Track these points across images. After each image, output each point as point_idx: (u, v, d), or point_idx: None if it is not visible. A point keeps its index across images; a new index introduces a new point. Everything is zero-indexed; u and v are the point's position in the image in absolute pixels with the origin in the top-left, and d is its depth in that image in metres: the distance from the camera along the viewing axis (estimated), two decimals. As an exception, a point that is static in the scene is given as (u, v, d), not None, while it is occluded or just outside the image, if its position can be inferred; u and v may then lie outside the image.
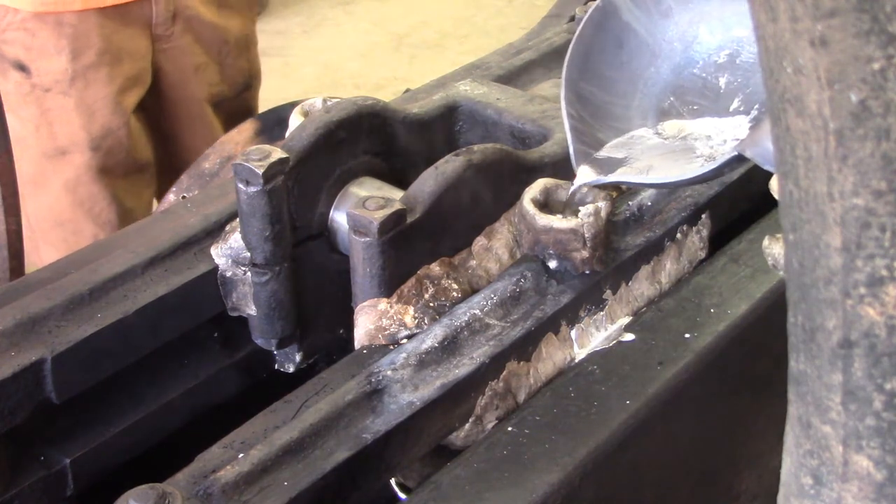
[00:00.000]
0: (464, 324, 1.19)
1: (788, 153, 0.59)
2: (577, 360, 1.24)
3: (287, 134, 1.38)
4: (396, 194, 1.27)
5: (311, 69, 5.50)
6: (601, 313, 1.27)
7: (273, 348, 1.37)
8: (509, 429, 1.12)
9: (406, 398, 1.13)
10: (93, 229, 2.67)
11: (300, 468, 1.04)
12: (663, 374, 1.19)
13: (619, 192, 1.33)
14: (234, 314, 1.37)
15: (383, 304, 1.22)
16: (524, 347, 1.19)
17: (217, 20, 2.71)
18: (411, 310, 1.22)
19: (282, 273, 1.31)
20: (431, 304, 1.24)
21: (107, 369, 1.27)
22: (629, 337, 1.25)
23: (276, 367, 1.41)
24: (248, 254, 1.30)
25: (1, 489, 1.21)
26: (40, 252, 2.66)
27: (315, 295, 1.37)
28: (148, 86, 2.68)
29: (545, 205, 1.25)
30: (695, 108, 1.26)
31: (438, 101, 1.48)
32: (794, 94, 0.57)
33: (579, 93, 1.27)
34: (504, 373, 1.18)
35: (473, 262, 1.29)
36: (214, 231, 1.38)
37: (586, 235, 1.22)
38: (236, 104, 2.84)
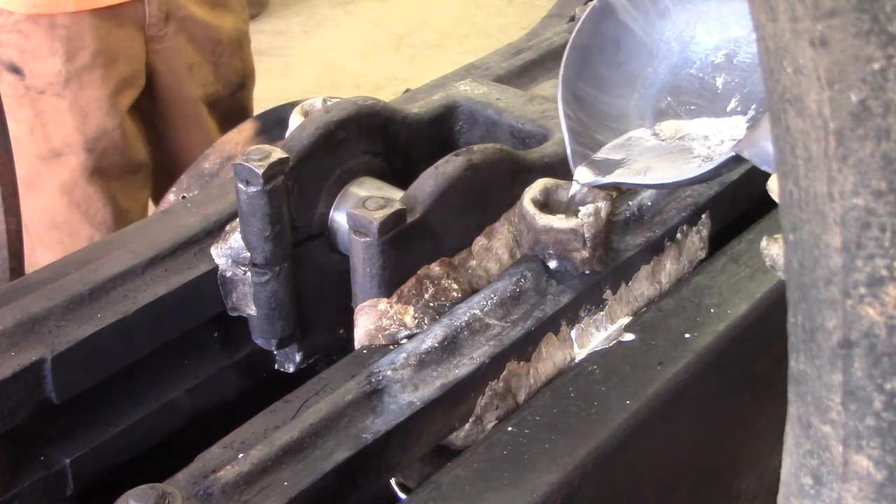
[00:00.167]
0: (464, 324, 1.19)
1: (788, 153, 0.59)
2: (577, 360, 1.24)
3: (287, 134, 1.38)
4: (396, 194, 1.27)
5: (311, 69, 5.50)
6: (601, 313, 1.27)
7: (273, 348, 1.37)
8: (509, 429, 1.12)
9: (406, 398, 1.13)
10: (88, 230, 2.67)
11: (300, 468, 1.04)
12: (663, 374, 1.19)
13: (619, 192, 1.33)
14: (234, 314, 1.37)
15: (383, 304, 1.22)
16: (524, 347, 1.19)
17: (210, 19, 2.71)
18: (411, 310, 1.22)
19: (282, 273, 1.31)
20: (431, 304, 1.24)
21: (107, 369, 1.27)
22: (629, 337, 1.25)
23: (276, 367, 1.41)
24: (248, 254, 1.30)
25: (1, 489, 1.21)
26: (36, 254, 2.66)
27: (315, 295, 1.37)
28: (142, 87, 2.68)
29: (545, 205, 1.25)
30: (692, 108, 1.26)
31: (438, 101, 1.48)
32: (794, 94, 0.57)
33: (576, 93, 1.27)
34: (504, 373, 1.18)
35: (473, 262, 1.29)
36: (214, 231, 1.38)
37: (586, 235, 1.22)
38: (231, 103, 2.83)
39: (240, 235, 1.31)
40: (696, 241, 1.38)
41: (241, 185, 1.26)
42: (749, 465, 1.42)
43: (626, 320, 1.28)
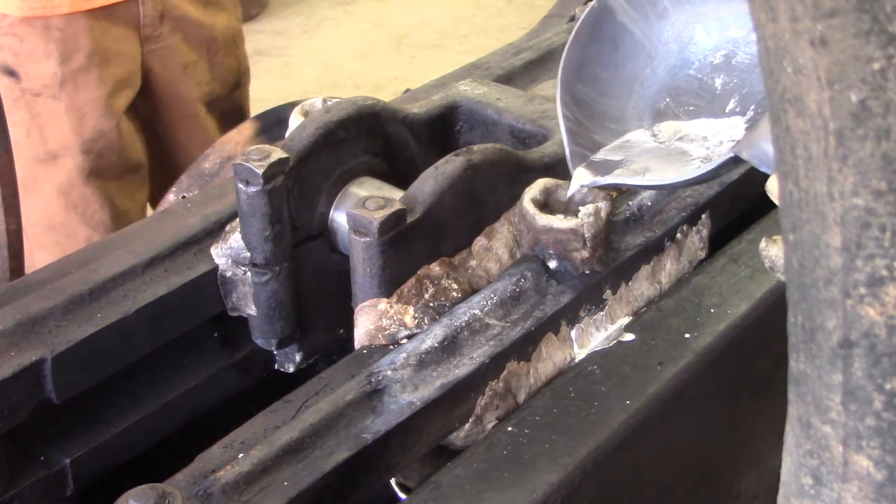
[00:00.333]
0: (464, 324, 1.19)
1: (788, 153, 0.59)
2: (577, 360, 1.24)
3: (287, 134, 1.38)
4: (396, 194, 1.27)
5: (311, 69, 5.50)
6: (601, 313, 1.27)
7: (273, 348, 1.37)
8: (509, 429, 1.12)
9: (406, 398, 1.13)
10: (86, 232, 2.67)
11: (300, 468, 1.04)
12: (663, 374, 1.19)
13: (619, 192, 1.33)
14: (234, 314, 1.37)
15: (383, 304, 1.22)
16: (524, 347, 1.19)
17: (204, 18, 2.71)
18: (411, 310, 1.22)
19: (282, 273, 1.31)
20: (431, 304, 1.24)
21: (107, 369, 1.27)
22: (629, 337, 1.25)
23: (276, 367, 1.41)
24: (248, 254, 1.30)
25: (1, 489, 1.21)
26: (34, 256, 2.66)
27: (315, 295, 1.37)
28: (138, 87, 2.67)
29: (545, 205, 1.25)
30: (691, 109, 1.26)
31: (438, 101, 1.48)
32: (794, 94, 0.57)
33: (575, 95, 1.27)
34: (504, 373, 1.18)
35: (473, 262, 1.29)
36: (214, 231, 1.38)
37: (586, 235, 1.22)
38: (228, 103, 2.83)
39: (240, 235, 1.31)
40: (696, 241, 1.38)
41: (241, 185, 1.26)
42: (749, 465, 1.42)
43: (626, 320, 1.28)
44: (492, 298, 1.22)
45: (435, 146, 1.43)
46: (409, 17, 6.01)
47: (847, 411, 0.60)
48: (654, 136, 1.25)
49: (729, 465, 1.41)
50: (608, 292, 1.27)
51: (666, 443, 1.24)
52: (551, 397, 1.17)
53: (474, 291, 1.26)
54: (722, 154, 1.14)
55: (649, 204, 1.36)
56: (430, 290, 1.24)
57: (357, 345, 1.23)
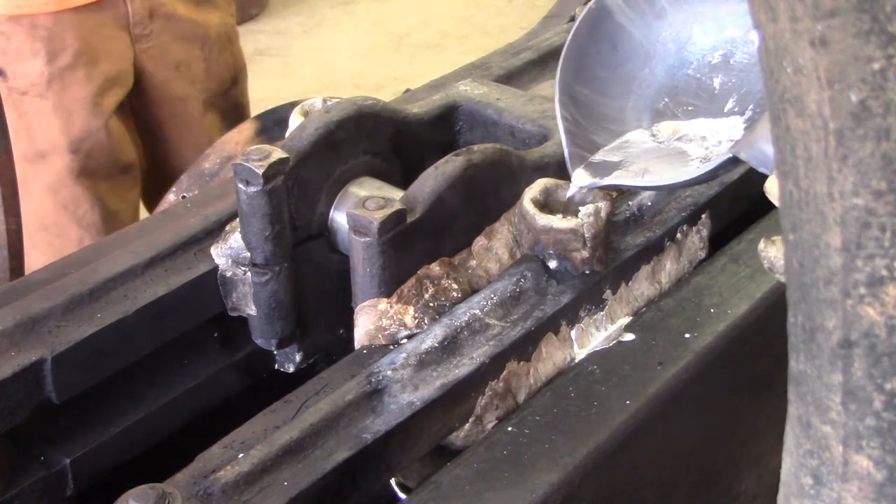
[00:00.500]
0: (464, 324, 1.19)
1: (788, 153, 0.59)
2: (577, 360, 1.24)
3: (287, 134, 1.38)
4: (396, 194, 1.27)
5: (311, 69, 5.50)
6: (601, 313, 1.27)
7: (273, 348, 1.37)
8: (509, 429, 1.12)
9: (406, 398, 1.13)
10: (77, 232, 2.66)
11: (300, 468, 1.04)
12: (663, 374, 1.19)
13: (619, 192, 1.33)
14: (234, 314, 1.37)
15: (383, 304, 1.22)
16: (524, 347, 1.19)
17: (195, 16, 2.70)
18: (411, 310, 1.22)
19: (282, 273, 1.31)
20: (431, 304, 1.24)
21: (107, 369, 1.27)
22: (629, 337, 1.25)
23: (276, 367, 1.41)
24: (248, 254, 1.30)
25: (1, 489, 1.21)
26: (30, 256, 2.66)
27: (315, 295, 1.37)
28: (130, 86, 2.67)
29: (545, 205, 1.25)
30: (689, 108, 1.26)
31: (438, 101, 1.48)
32: (794, 94, 0.57)
33: (573, 95, 1.27)
34: (504, 373, 1.18)
35: (473, 262, 1.29)
36: (214, 231, 1.38)
37: (586, 235, 1.22)
38: (226, 101, 2.83)
39: (240, 235, 1.31)
40: (696, 241, 1.38)
41: (241, 185, 1.26)
42: (749, 465, 1.42)
43: (626, 320, 1.28)
44: (492, 298, 1.22)
45: (435, 146, 1.43)
46: (409, 17, 6.01)
47: (847, 411, 0.60)
48: (653, 136, 1.25)
49: (729, 465, 1.41)
50: (608, 292, 1.27)
51: (666, 443, 1.24)
52: (551, 397, 1.17)
53: (474, 291, 1.26)
54: (720, 154, 1.14)
55: (649, 204, 1.36)
56: (430, 290, 1.24)
57: (357, 345, 1.23)
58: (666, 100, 1.28)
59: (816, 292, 0.60)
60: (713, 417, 1.33)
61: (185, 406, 1.37)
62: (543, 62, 1.71)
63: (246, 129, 2.25)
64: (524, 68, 1.70)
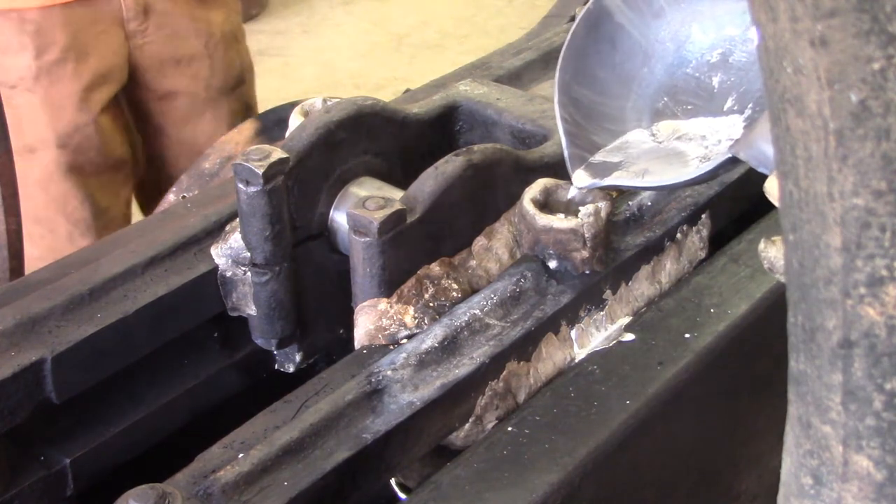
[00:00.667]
0: (464, 324, 1.19)
1: (788, 153, 0.59)
2: (577, 360, 1.24)
3: (287, 134, 1.38)
4: (396, 194, 1.27)
5: (311, 69, 5.50)
6: (601, 313, 1.27)
7: (273, 348, 1.37)
8: (509, 429, 1.12)
9: (406, 398, 1.13)
10: (67, 227, 2.66)
11: (300, 468, 1.04)
12: (663, 374, 1.19)
13: (619, 192, 1.33)
14: (234, 314, 1.37)
15: (383, 304, 1.22)
16: (524, 347, 1.19)
17: (198, 14, 2.69)
18: (411, 310, 1.22)
19: (282, 273, 1.31)
20: (431, 304, 1.24)
21: (107, 369, 1.27)
22: (629, 337, 1.25)
23: (276, 367, 1.41)
24: (248, 254, 1.30)
25: (1, 489, 1.21)
26: (25, 249, 2.66)
27: (315, 295, 1.37)
28: (123, 82, 2.66)
29: (545, 205, 1.25)
30: (689, 107, 1.26)
31: (438, 101, 1.48)
32: (794, 94, 0.57)
33: (573, 96, 1.27)
34: (504, 373, 1.18)
35: (473, 262, 1.29)
36: (214, 231, 1.38)
37: (586, 235, 1.22)
38: (233, 99, 2.82)
39: (240, 235, 1.31)
40: (696, 241, 1.38)
41: (241, 185, 1.26)
42: (749, 465, 1.42)
43: (626, 320, 1.28)
44: (492, 298, 1.22)
45: (435, 146, 1.43)
46: (409, 17, 6.01)
47: (847, 411, 0.60)
48: (653, 135, 1.25)
49: (729, 465, 1.41)
50: (608, 292, 1.27)
51: (666, 443, 1.24)
52: (551, 397, 1.17)
53: (474, 291, 1.26)
54: (720, 154, 1.14)
55: (649, 204, 1.36)
56: (430, 290, 1.24)
57: (357, 345, 1.23)
58: (665, 99, 1.28)
59: (816, 292, 0.60)
60: (713, 417, 1.33)
61: (185, 406, 1.37)
62: (543, 62, 1.71)
63: (246, 129, 2.25)
64: (524, 68, 1.70)
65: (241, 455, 1.04)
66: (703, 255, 1.39)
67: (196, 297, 1.33)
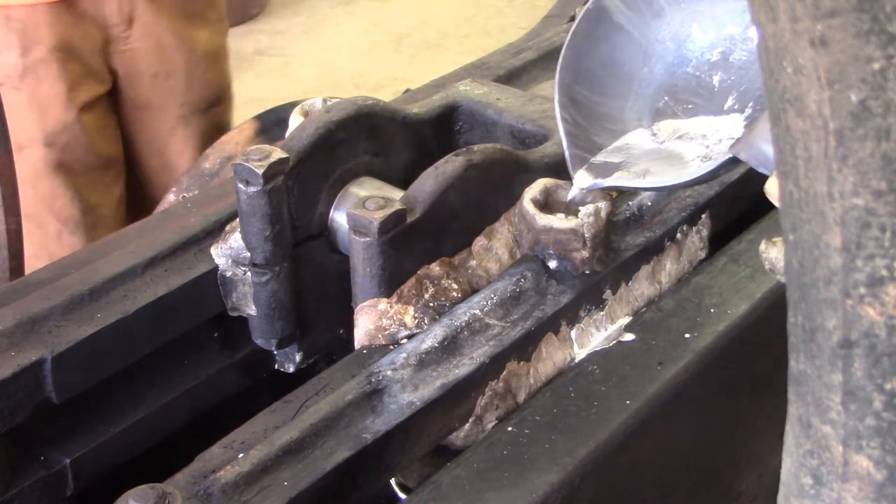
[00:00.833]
0: (464, 324, 1.19)
1: (788, 153, 0.59)
2: (577, 360, 1.24)
3: (287, 134, 1.38)
4: (396, 194, 1.27)
5: (311, 69, 5.49)
6: (601, 313, 1.27)
7: (273, 348, 1.37)
8: (509, 429, 1.12)
9: (406, 398, 1.13)
10: (56, 225, 2.66)
11: (300, 468, 1.04)
12: (663, 374, 1.19)
13: (619, 192, 1.33)
14: (234, 314, 1.37)
15: (383, 304, 1.22)
16: (524, 347, 1.19)
17: (183, 31, 2.70)
18: (411, 310, 1.22)
19: (282, 273, 1.31)
20: (431, 304, 1.24)
21: (107, 369, 1.27)
22: (629, 337, 1.25)
23: (276, 367, 1.41)
24: (248, 254, 1.30)
25: (1, 489, 1.21)
26: None
27: (315, 295, 1.37)
28: (109, 84, 2.67)
29: (545, 205, 1.25)
30: (689, 107, 1.26)
31: (438, 101, 1.48)
32: (794, 94, 0.57)
33: (573, 96, 1.27)
34: (504, 373, 1.18)
35: (473, 262, 1.29)
36: (214, 231, 1.38)
37: (586, 235, 1.22)
38: (206, 119, 2.82)
39: (240, 235, 1.31)
40: (696, 241, 1.38)
41: (241, 185, 1.26)
42: (749, 465, 1.42)
43: (626, 320, 1.28)
44: (492, 298, 1.22)
45: (435, 146, 1.43)
46: (409, 17, 6.00)
47: (847, 411, 0.60)
48: (654, 135, 1.25)
49: (729, 465, 1.41)
50: (608, 292, 1.27)
51: (666, 443, 1.24)
52: (551, 397, 1.17)
53: (474, 291, 1.26)
54: (720, 155, 1.14)
55: (649, 204, 1.36)
56: (430, 290, 1.24)
57: (357, 345, 1.23)
58: (665, 98, 1.28)
59: (816, 292, 0.60)
60: (713, 417, 1.33)
61: (185, 406, 1.37)
62: (543, 62, 1.71)
63: (246, 129, 2.25)
64: (524, 68, 1.70)
65: (241, 455, 1.04)
66: (703, 255, 1.39)
67: (196, 297, 1.33)
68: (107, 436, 1.29)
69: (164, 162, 2.76)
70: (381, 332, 1.21)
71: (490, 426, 1.18)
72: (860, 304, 0.57)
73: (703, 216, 1.39)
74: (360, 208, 1.20)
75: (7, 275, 1.97)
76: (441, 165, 1.26)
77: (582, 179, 1.21)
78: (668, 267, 1.35)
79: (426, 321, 1.22)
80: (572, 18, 1.91)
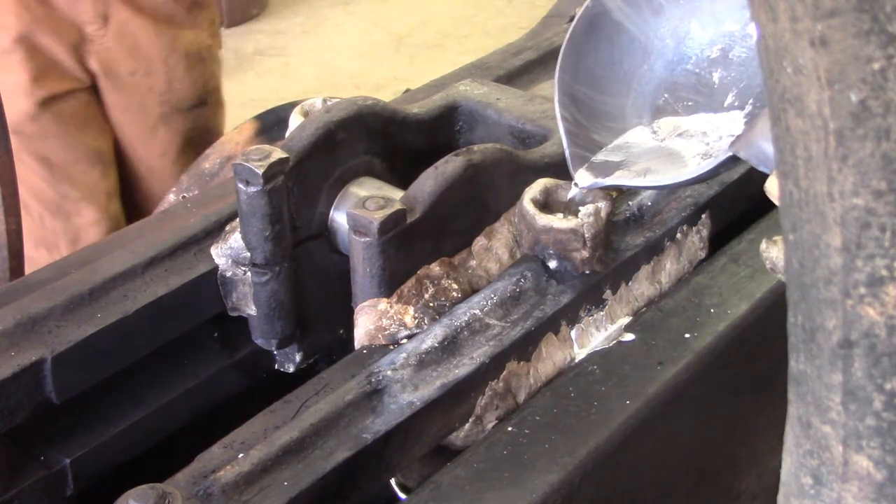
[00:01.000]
0: (464, 324, 1.19)
1: (788, 153, 0.59)
2: (577, 360, 1.24)
3: (287, 134, 1.38)
4: (396, 194, 1.27)
5: (311, 69, 5.49)
6: (601, 313, 1.27)
7: (273, 348, 1.37)
8: (509, 429, 1.12)
9: (406, 398, 1.12)
10: (38, 209, 2.69)
11: (300, 468, 1.04)
12: (663, 374, 1.19)
13: (619, 192, 1.33)
14: (234, 314, 1.37)
15: (383, 304, 1.22)
16: (524, 347, 1.19)
17: (163, 30, 2.71)
18: (411, 310, 1.22)
19: (282, 273, 1.31)
20: (431, 304, 1.24)
21: (107, 369, 1.27)
22: (629, 337, 1.25)
23: (276, 367, 1.41)
24: (248, 254, 1.30)
25: (1, 489, 1.21)
26: None
27: (315, 295, 1.37)
28: (84, 80, 2.68)
29: (545, 205, 1.25)
30: (689, 104, 1.26)
31: (438, 101, 1.48)
32: (794, 94, 0.57)
33: (573, 95, 1.27)
34: (504, 373, 1.18)
35: (473, 262, 1.29)
36: (214, 231, 1.38)
37: (586, 235, 1.22)
38: (190, 120, 2.82)
39: (240, 235, 1.31)
40: (696, 241, 1.38)
41: (241, 185, 1.26)
42: (749, 465, 1.42)
43: (626, 320, 1.28)
44: (492, 298, 1.22)
45: (435, 146, 1.43)
46: (409, 17, 6.00)
47: (847, 411, 0.60)
48: (654, 132, 1.25)
49: (729, 465, 1.41)
50: (608, 292, 1.27)
51: (666, 443, 1.24)
52: (551, 397, 1.17)
53: (474, 291, 1.26)
54: (721, 153, 1.14)
55: (649, 204, 1.36)
56: (430, 290, 1.24)
57: (357, 345, 1.23)
58: (665, 96, 1.28)
59: (816, 292, 0.60)
60: (713, 417, 1.33)
61: (185, 406, 1.37)
62: (543, 62, 1.71)
63: (246, 129, 2.25)
64: (524, 68, 1.70)
65: (241, 455, 1.04)
66: (703, 255, 1.39)
67: (196, 297, 1.33)
68: (107, 436, 1.29)
69: (148, 161, 2.78)
70: (381, 332, 1.21)
71: (490, 426, 1.18)
72: (860, 304, 0.57)
73: (703, 216, 1.39)
74: (360, 208, 1.20)
75: (7, 275, 1.97)
76: (441, 165, 1.26)
77: (582, 178, 1.21)
78: (668, 267, 1.35)
79: (426, 321, 1.22)
80: (572, 18, 1.90)
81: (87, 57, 2.67)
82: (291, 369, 1.40)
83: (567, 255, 1.23)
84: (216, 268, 1.34)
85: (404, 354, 1.16)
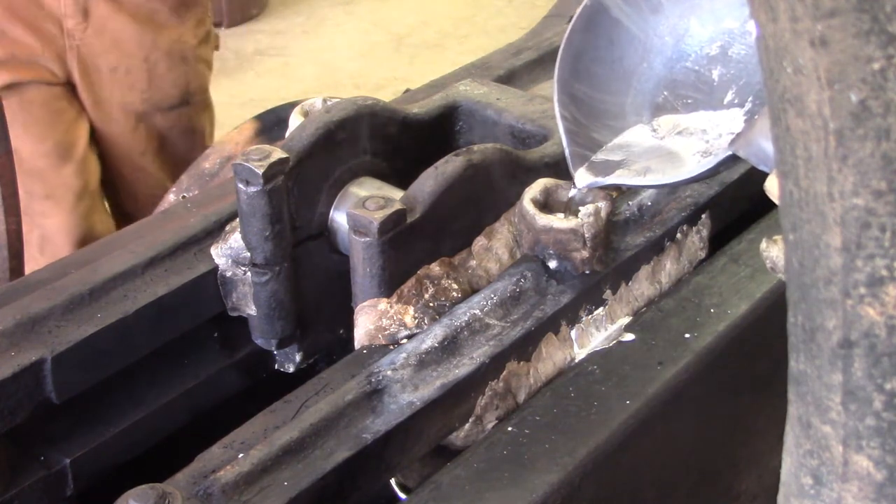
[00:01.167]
0: (464, 324, 1.19)
1: (788, 153, 0.59)
2: (577, 360, 1.24)
3: (287, 134, 1.38)
4: (396, 194, 1.27)
5: (311, 69, 5.49)
6: (601, 313, 1.27)
7: (273, 348, 1.37)
8: (509, 429, 1.12)
9: (406, 398, 1.12)
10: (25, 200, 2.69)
11: (300, 468, 1.04)
12: (663, 374, 1.19)
13: (620, 191, 1.33)
14: (234, 314, 1.37)
15: (383, 304, 1.22)
16: (524, 347, 1.19)
17: (145, 28, 2.70)
18: (411, 310, 1.22)
19: (282, 273, 1.31)
20: (431, 304, 1.24)
21: (107, 369, 1.27)
22: (629, 337, 1.25)
23: (276, 367, 1.41)
24: (248, 254, 1.30)
25: (1, 489, 1.21)
26: None
27: (315, 295, 1.36)
28: (57, 73, 2.68)
29: (545, 205, 1.25)
30: (689, 101, 1.26)
31: (438, 101, 1.48)
32: (794, 94, 0.57)
33: (572, 93, 1.27)
34: (504, 373, 1.18)
35: (473, 262, 1.29)
36: (214, 231, 1.38)
37: (586, 235, 1.22)
38: (172, 119, 2.82)
39: (240, 235, 1.31)
40: (696, 241, 1.38)
41: (241, 185, 1.26)
42: (749, 465, 1.42)
43: (626, 320, 1.28)
44: (492, 298, 1.22)
45: (435, 146, 1.43)
46: (409, 17, 6.01)
47: (847, 411, 0.60)
48: (654, 130, 1.25)
49: (729, 465, 1.41)
50: (608, 292, 1.27)
51: (666, 443, 1.24)
52: (551, 397, 1.17)
53: (474, 291, 1.26)
54: (720, 152, 1.13)
55: (649, 204, 1.36)
56: (430, 290, 1.24)
57: (357, 345, 1.23)
58: (665, 93, 1.27)
59: (816, 292, 0.60)
60: (713, 417, 1.33)
61: (185, 406, 1.36)
62: (543, 62, 1.71)
63: (246, 129, 2.25)
64: (524, 68, 1.70)
65: (241, 455, 1.04)
66: (703, 255, 1.39)
67: (196, 297, 1.33)
68: (107, 436, 1.29)
69: (129, 159, 2.77)
70: (381, 332, 1.21)
71: (490, 426, 1.18)
72: (860, 304, 0.57)
73: (703, 216, 1.39)
74: (360, 208, 1.20)
75: (7, 275, 1.97)
76: (441, 165, 1.26)
77: (582, 178, 1.21)
78: (668, 267, 1.35)
79: (426, 321, 1.22)
80: (572, 18, 1.90)
81: (64, 51, 2.67)
82: (291, 369, 1.40)
83: (567, 255, 1.23)
84: (216, 268, 1.34)
85: (404, 354, 1.16)
